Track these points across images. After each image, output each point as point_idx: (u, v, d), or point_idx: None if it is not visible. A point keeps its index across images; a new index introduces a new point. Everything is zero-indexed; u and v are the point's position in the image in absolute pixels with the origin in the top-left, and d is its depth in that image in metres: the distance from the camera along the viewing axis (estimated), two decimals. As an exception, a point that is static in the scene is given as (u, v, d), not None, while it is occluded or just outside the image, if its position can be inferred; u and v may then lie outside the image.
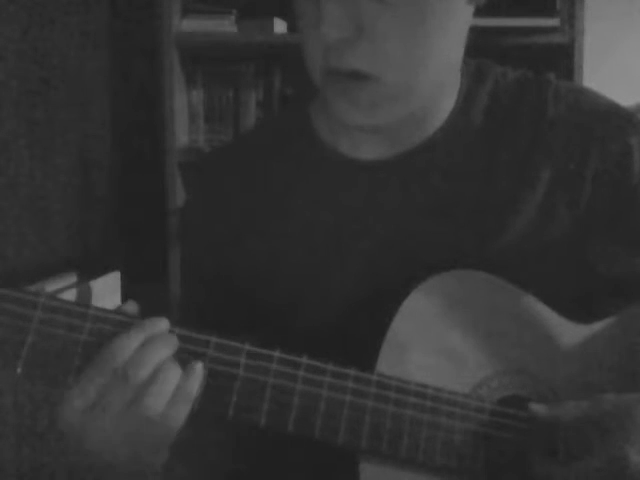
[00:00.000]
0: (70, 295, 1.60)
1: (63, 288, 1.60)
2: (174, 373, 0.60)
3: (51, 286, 1.56)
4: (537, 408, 0.65)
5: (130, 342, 0.59)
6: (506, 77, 0.76)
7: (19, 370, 0.58)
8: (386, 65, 0.63)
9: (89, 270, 1.74)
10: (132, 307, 0.62)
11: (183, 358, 0.61)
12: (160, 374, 0.59)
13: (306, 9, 0.64)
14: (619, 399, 0.64)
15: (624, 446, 0.60)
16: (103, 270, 1.79)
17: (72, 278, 1.67)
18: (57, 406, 0.61)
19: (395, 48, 0.62)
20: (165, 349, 0.60)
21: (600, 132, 0.72)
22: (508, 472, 0.67)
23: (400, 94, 0.66)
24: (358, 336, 0.68)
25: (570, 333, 0.70)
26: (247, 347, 0.63)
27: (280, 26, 1.90)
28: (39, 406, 1.57)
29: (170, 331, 0.61)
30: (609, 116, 0.73)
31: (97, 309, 0.61)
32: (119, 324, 0.61)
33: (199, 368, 0.61)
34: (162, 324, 0.61)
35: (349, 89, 0.65)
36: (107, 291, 1.77)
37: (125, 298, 1.85)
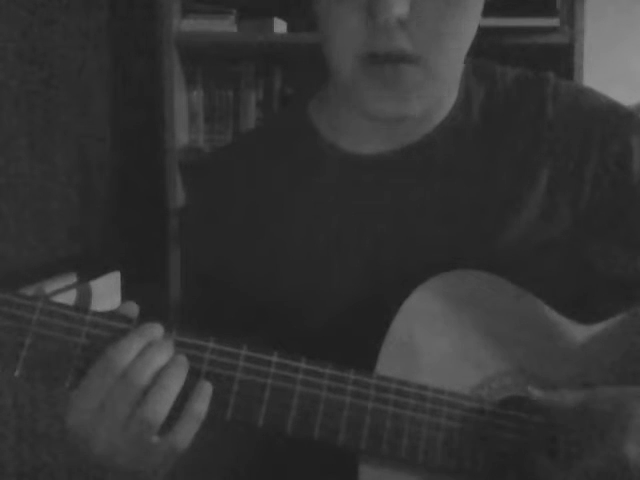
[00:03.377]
0: (70, 295, 1.60)
1: (63, 288, 1.60)
2: (175, 379, 0.60)
3: (51, 286, 1.56)
4: (535, 392, 0.65)
5: (131, 346, 0.59)
6: (505, 76, 0.76)
7: (17, 373, 0.58)
8: (429, 45, 0.64)
9: (89, 270, 1.74)
10: (132, 308, 0.63)
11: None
12: (161, 380, 0.59)
13: None
14: (617, 393, 0.64)
15: (623, 446, 0.60)
16: (103, 270, 1.78)
17: (72, 278, 1.67)
18: (63, 408, 0.61)
19: (439, 30, 0.64)
20: (163, 355, 0.60)
21: (600, 131, 0.72)
22: (508, 473, 0.67)
23: (436, 79, 0.66)
24: (358, 336, 0.68)
25: (571, 333, 0.70)
26: (245, 350, 0.63)
27: (280, 26, 1.90)
28: (39, 406, 1.57)
29: (167, 335, 0.62)
30: (609, 115, 0.73)
31: (94, 313, 0.61)
32: (116, 328, 0.61)
33: (207, 387, 0.61)
34: (155, 330, 0.61)
35: (389, 74, 0.64)
36: (107, 291, 1.77)
37: (125, 298, 1.85)
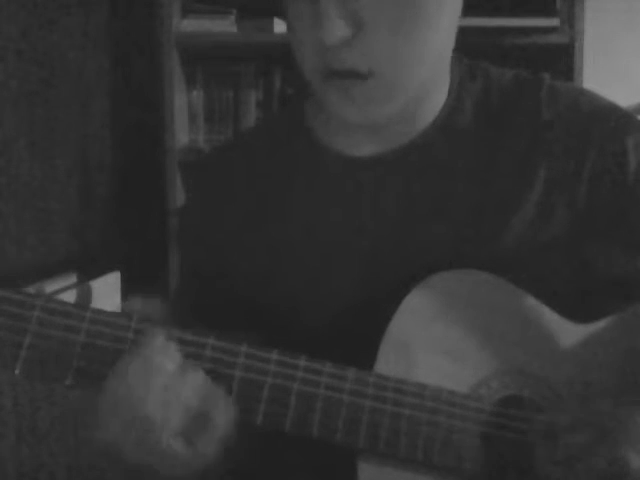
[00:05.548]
0: (70, 295, 1.61)
1: (63, 288, 1.61)
2: (185, 387, 0.60)
3: (51, 286, 1.56)
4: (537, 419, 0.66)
5: (138, 364, 0.59)
6: (501, 76, 0.76)
7: (17, 371, 0.58)
8: (383, 61, 0.64)
9: (89, 270, 1.74)
10: (137, 304, 0.63)
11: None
12: (170, 390, 0.60)
13: (301, 12, 0.63)
14: (618, 403, 0.64)
15: (624, 447, 0.60)
16: (103, 270, 1.79)
17: (72, 278, 1.67)
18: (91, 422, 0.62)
19: (392, 43, 0.63)
20: (170, 364, 0.60)
21: (597, 132, 0.72)
22: (508, 472, 0.67)
23: (395, 89, 0.66)
24: (357, 335, 0.68)
25: (570, 333, 0.70)
26: (245, 348, 0.63)
27: (280, 26, 1.90)
28: (39, 406, 1.58)
29: (169, 338, 0.62)
30: (606, 116, 0.73)
31: (94, 310, 0.61)
32: (115, 324, 0.61)
33: (228, 404, 0.61)
34: (160, 338, 0.61)
35: (346, 87, 0.65)
36: (107, 291, 1.77)
37: (125, 298, 1.86)
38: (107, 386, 0.59)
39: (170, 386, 0.60)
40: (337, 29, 0.60)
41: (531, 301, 0.70)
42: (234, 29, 1.89)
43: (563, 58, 1.81)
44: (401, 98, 0.67)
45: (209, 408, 0.61)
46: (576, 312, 0.71)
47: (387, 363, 0.66)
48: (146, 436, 0.59)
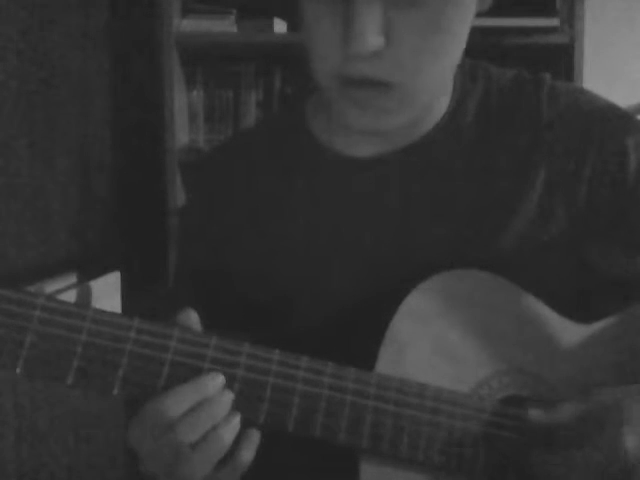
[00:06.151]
0: (70, 295, 1.60)
1: (63, 288, 1.60)
2: (225, 441, 0.60)
3: (51, 286, 1.56)
4: (535, 414, 0.66)
5: (184, 398, 0.59)
6: (501, 76, 0.76)
7: (18, 370, 0.58)
8: (407, 74, 0.63)
9: (89, 270, 1.74)
10: (191, 317, 0.63)
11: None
12: (210, 438, 0.60)
13: (323, 15, 0.62)
14: (616, 392, 0.64)
15: (622, 438, 0.60)
16: (103, 270, 1.79)
17: (72, 278, 1.67)
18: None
19: (418, 57, 0.62)
20: (219, 412, 0.60)
21: (597, 132, 0.72)
22: (508, 472, 0.67)
23: (412, 100, 0.65)
24: (357, 335, 0.68)
25: (570, 333, 0.70)
26: (246, 348, 0.63)
27: (280, 26, 1.90)
28: (39, 406, 1.57)
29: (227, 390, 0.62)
30: (606, 116, 0.73)
31: (95, 310, 0.61)
32: (117, 324, 0.61)
33: (255, 436, 0.62)
34: (216, 383, 0.61)
35: (364, 97, 0.64)
36: (107, 291, 1.77)
37: (125, 298, 1.86)
38: (151, 407, 0.60)
39: (217, 427, 0.60)
40: (371, 40, 0.59)
41: (532, 301, 0.70)
42: (234, 29, 1.89)
43: (563, 58, 1.81)
44: (416, 108, 0.67)
45: (240, 447, 0.61)
46: (576, 312, 0.71)
47: (388, 363, 0.66)
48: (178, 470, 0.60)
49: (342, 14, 0.60)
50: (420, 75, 0.63)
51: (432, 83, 0.66)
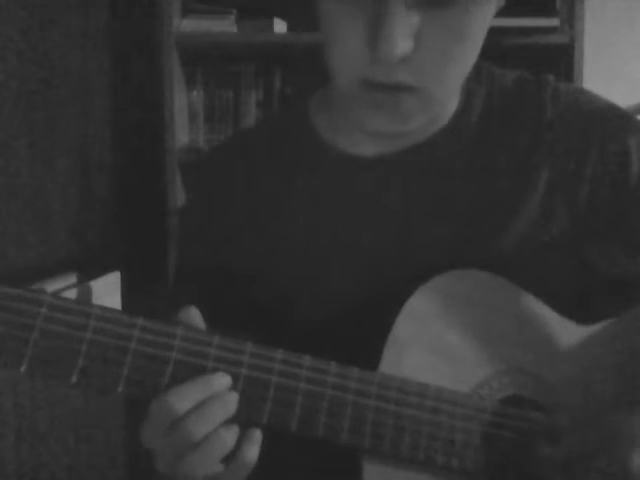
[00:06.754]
0: (70, 295, 1.60)
1: (63, 288, 1.60)
2: (229, 440, 0.60)
3: (51, 286, 1.56)
4: (547, 451, 0.66)
5: (192, 395, 0.59)
6: (504, 77, 0.76)
7: (23, 368, 0.58)
8: (431, 78, 0.62)
9: (89, 270, 1.74)
10: (193, 314, 0.63)
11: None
12: (215, 436, 0.60)
13: (346, 16, 0.60)
14: (618, 404, 0.64)
15: (625, 447, 0.60)
16: (103, 270, 1.79)
17: (72, 278, 1.67)
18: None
19: (443, 62, 0.62)
20: (224, 411, 0.60)
21: (599, 133, 0.72)
22: (509, 472, 0.67)
23: (432, 103, 0.65)
24: (359, 336, 0.68)
25: (570, 333, 0.70)
26: (249, 346, 0.63)
27: (280, 26, 1.90)
28: (39, 406, 1.57)
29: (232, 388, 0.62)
30: (607, 117, 0.73)
31: (100, 308, 0.60)
32: (122, 322, 0.60)
33: (257, 435, 0.61)
34: (225, 380, 0.61)
35: (386, 100, 0.64)
36: (107, 291, 1.77)
37: (125, 298, 1.86)
38: (158, 404, 0.60)
39: (219, 429, 0.60)
40: (401, 45, 0.58)
41: (532, 301, 0.70)
42: (234, 29, 1.89)
43: (563, 58, 1.81)
44: (434, 110, 0.67)
45: (243, 447, 0.61)
46: (576, 312, 0.71)
47: (391, 363, 0.66)
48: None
49: (369, 15, 0.59)
50: (444, 78, 0.63)
51: (453, 86, 0.66)
